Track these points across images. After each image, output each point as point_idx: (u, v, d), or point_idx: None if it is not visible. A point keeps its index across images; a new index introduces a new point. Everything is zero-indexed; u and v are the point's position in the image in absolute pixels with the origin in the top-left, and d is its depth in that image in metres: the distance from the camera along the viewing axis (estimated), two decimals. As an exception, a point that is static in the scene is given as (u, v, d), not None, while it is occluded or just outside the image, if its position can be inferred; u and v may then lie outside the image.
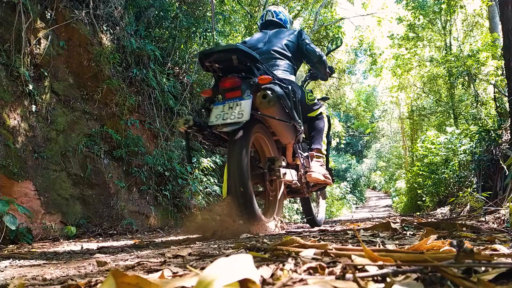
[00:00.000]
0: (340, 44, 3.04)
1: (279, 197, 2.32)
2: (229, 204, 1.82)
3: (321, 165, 2.41)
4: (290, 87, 2.16)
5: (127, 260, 1.32)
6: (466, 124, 8.42)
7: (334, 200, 17.85)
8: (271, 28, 2.77)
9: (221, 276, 0.47)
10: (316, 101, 2.65)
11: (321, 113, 2.65)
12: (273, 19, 2.81)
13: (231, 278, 0.47)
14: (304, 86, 2.74)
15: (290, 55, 2.51)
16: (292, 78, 2.45)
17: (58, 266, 1.30)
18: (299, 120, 2.18)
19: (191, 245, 1.71)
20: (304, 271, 0.64)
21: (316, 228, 2.34)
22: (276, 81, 2.07)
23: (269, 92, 1.88)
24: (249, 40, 2.71)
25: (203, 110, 2.11)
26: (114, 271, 0.49)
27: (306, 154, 2.46)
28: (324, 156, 2.53)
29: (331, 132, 2.84)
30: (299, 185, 2.41)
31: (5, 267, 1.38)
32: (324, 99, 3.06)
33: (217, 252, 1.23)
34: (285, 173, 2.19)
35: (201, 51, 2.03)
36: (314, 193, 2.69)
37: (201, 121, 1.97)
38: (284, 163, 2.24)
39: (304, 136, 2.55)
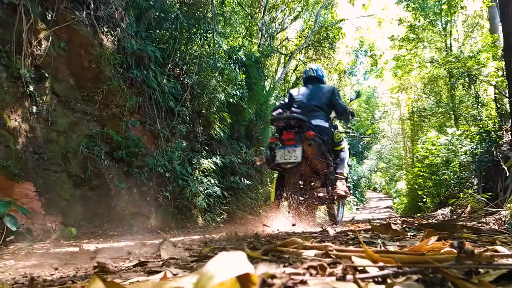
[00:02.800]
0: (360, 96, 4.03)
1: (314, 205, 3.50)
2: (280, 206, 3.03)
3: (343, 184, 3.43)
4: (326, 138, 3.31)
5: (127, 261, 1.32)
6: (466, 125, 8.41)
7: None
8: (313, 82, 3.77)
9: (220, 271, 0.47)
10: (341, 138, 3.62)
11: (344, 147, 3.64)
12: (314, 75, 3.80)
13: (229, 273, 0.48)
14: (332, 121, 3.65)
15: (325, 108, 3.53)
16: (326, 124, 3.46)
17: (59, 267, 1.30)
18: (330, 158, 3.35)
19: (191, 247, 1.71)
20: (305, 271, 0.63)
21: (317, 229, 2.44)
22: (317, 134, 3.13)
23: (312, 142, 3.01)
24: (296, 95, 3.69)
25: (269, 148, 3.28)
26: (96, 276, 0.50)
27: (333, 177, 3.44)
28: (345, 177, 3.52)
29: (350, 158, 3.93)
30: (328, 197, 3.36)
31: (6, 268, 1.38)
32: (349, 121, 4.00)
33: (217, 252, 1.23)
34: (319, 190, 3.32)
35: (273, 118, 3.25)
36: (336, 202, 3.78)
37: (270, 159, 3.14)
38: (318, 184, 3.38)
39: (332, 163, 3.48)
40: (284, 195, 3.07)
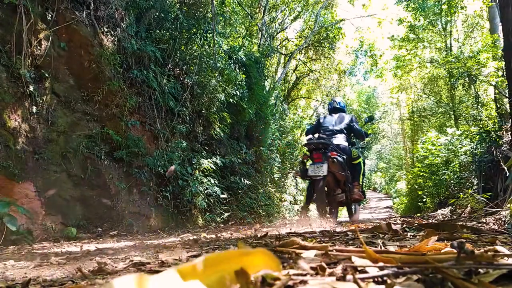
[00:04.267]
0: (372, 120, 5.13)
1: (337, 207, 4.62)
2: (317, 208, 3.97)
3: (358, 190, 4.38)
4: (345, 156, 4.21)
5: (127, 261, 1.32)
6: (466, 125, 8.41)
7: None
8: (336, 111, 4.81)
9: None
10: (357, 155, 4.48)
11: (360, 162, 4.49)
12: (338, 106, 4.86)
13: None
14: (350, 141, 4.66)
15: (345, 132, 4.52)
16: (346, 144, 4.40)
17: (59, 267, 1.30)
18: (349, 171, 4.27)
19: (191, 247, 1.71)
20: (305, 272, 0.63)
21: (318, 229, 2.46)
22: (339, 153, 4.10)
23: (335, 160, 3.98)
24: (323, 122, 4.68)
25: (301, 163, 4.29)
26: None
27: (351, 185, 4.36)
28: (360, 185, 4.47)
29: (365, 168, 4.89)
30: (346, 201, 4.42)
31: (6, 268, 1.38)
32: (364, 137, 4.87)
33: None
34: (340, 196, 4.40)
35: (306, 143, 4.27)
36: (353, 204, 4.68)
37: (303, 172, 4.05)
38: (339, 191, 4.40)
39: (350, 175, 4.35)
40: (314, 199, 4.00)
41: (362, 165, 4.51)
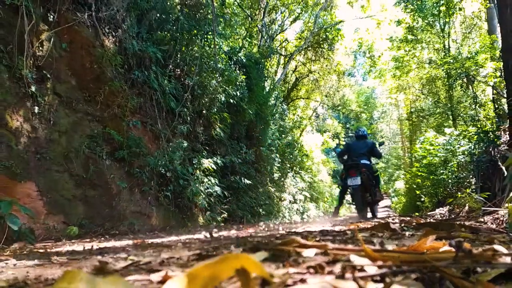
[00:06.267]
0: (383, 144, 6.94)
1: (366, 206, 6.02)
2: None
3: (380, 194, 6.13)
4: (370, 171, 5.74)
5: (128, 260, 1.34)
6: (464, 126, 8.43)
7: (334, 201, 17.84)
8: (361, 139, 6.26)
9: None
10: (375, 169, 6.21)
11: (378, 174, 6.21)
12: (362, 134, 6.32)
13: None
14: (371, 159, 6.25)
15: (368, 153, 6.00)
16: (369, 163, 5.92)
17: (60, 266, 1.32)
18: (374, 182, 5.81)
19: (192, 246, 1.73)
20: (304, 271, 0.64)
21: (318, 228, 2.50)
22: (367, 170, 5.62)
23: (364, 174, 5.51)
24: (352, 147, 6.15)
25: (342, 175, 6.00)
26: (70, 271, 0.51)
27: (374, 191, 5.83)
28: (380, 190, 6.18)
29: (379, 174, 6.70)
30: (371, 201, 5.86)
31: (8, 267, 1.39)
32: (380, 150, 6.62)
33: (216, 252, 1.25)
34: (368, 198, 5.77)
35: (346, 164, 5.81)
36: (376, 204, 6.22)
37: (343, 184, 5.84)
38: (368, 195, 5.75)
39: (374, 183, 5.88)
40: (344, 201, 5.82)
41: (379, 176, 6.42)
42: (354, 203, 5.85)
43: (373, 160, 6.49)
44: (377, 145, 6.57)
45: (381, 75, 15.69)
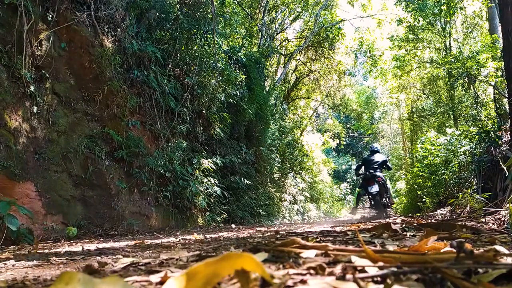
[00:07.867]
0: (391, 169, 9.32)
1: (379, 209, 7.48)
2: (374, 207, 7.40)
3: (392, 198, 7.88)
4: (383, 180, 7.49)
5: (127, 260, 1.33)
6: (466, 126, 8.41)
7: (334, 201, 17.84)
8: (375, 153, 7.68)
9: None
10: (386, 179, 7.87)
11: (388, 182, 7.68)
12: (376, 150, 7.82)
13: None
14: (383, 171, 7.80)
15: (380, 166, 7.45)
16: (382, 174, 7.44)
17: (59, 267, 1.30)
18: (387, 188, 7.61)
19: (191, 247, 1.72)
20: (305, 272, 0.64)
21: (318, 229, 2.49)
22: (381, 179, 7.30)
23: (380, 183, 7.24)
24: (369, 160, 7.54)
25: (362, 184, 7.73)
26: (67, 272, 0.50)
27: (387, 196, 7.35)
28: (391, 196, 7.95)
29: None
30: (385, 205, 7.23)
31: (7, 268, 1.38)
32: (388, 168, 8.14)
33: (216, 253, 1.24)
34: (383, 201, 7.35)
35: (364, 176, 7.54)
36: (388, 207, 7.62)
37: (364, 192, 7.67)
38: (382, 199, 7.20)
39: (386, 190, 7.25)
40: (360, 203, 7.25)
41: (389, 183, 7.80)
42: (373, 206, 7.29)
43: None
44: (389, 161, 8.11)
45: (382, 74, 15.67)
